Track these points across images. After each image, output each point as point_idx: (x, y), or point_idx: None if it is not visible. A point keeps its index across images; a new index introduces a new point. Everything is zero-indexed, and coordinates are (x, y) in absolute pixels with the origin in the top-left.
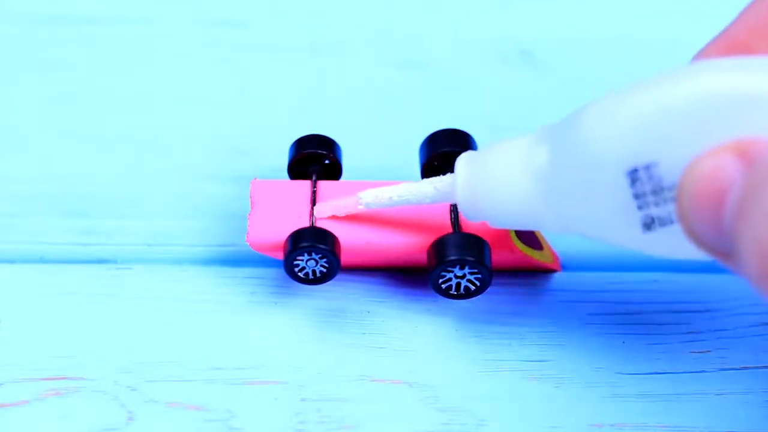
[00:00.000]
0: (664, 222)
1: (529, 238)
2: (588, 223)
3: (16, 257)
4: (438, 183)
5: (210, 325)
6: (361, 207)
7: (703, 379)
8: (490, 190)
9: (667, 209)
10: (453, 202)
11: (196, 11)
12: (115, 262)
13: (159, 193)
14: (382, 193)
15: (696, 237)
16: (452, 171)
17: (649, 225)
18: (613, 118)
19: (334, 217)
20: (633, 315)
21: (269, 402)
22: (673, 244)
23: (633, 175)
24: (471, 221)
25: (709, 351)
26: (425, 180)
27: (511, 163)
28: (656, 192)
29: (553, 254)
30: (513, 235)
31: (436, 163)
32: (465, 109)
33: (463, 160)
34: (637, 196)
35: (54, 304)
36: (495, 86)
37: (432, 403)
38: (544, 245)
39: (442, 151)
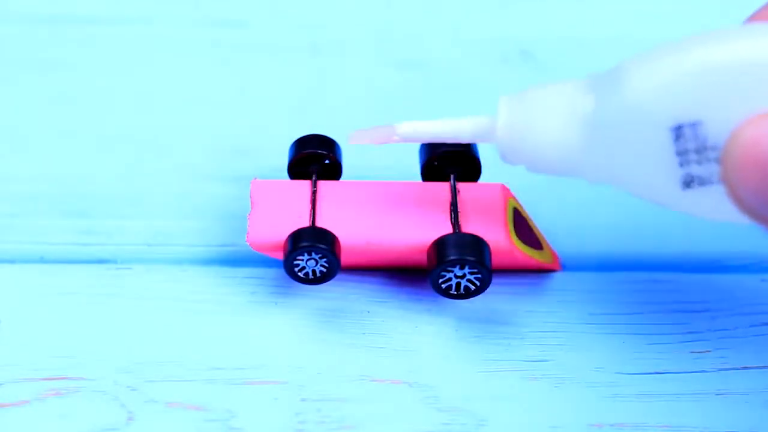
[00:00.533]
0: (704, 181)
1: (529, 238)
2: (627, 176)
3: (16, 257)
4: (478, 121)
5: (210, 325)
6: (396, 138)
7: (703, 379)
8: (532, 132)
9: (709, 169)
10: (491, 142)
11: (196, 11)
12: (115, 262)
13: (159, 193)
14: (420, 127)
15: (740, 202)
16: (453, 169)
17: (688, 183)
18: (661, 73)
19: (334, 217)
20: (633, 315)
21: (269, 402)
22: (711, 204)
23: (677, 132)
24: (508, 163)
25: (709, 351)
26: (466, 117)
27: (555, 108)
28: (699, 151)
29: (553, 254)
30: (513, 234)
31: (436, 163)
32: (465, 109)
33: (505, 100)
34: (679, 153)
35: (54, 304)
36: (495, 86)
37: (432, 403)
38: (544, 245)
39: (442, 151)
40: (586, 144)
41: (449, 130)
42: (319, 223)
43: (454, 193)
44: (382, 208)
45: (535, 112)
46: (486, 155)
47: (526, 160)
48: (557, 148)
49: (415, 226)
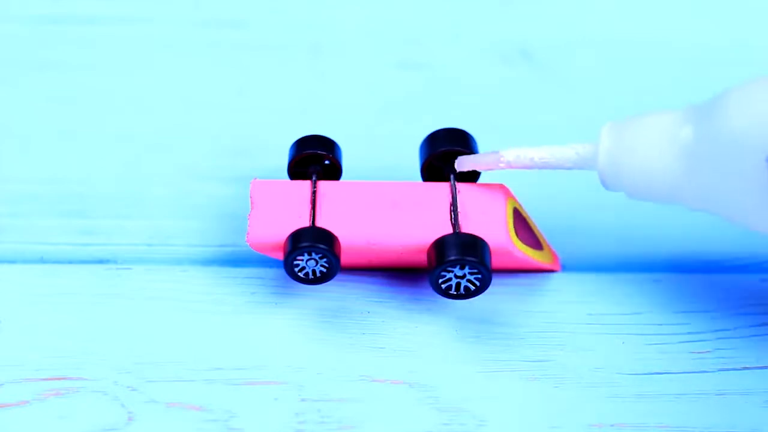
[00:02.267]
0: None
1: (529, 238)
2: (725, 204)
3: (16, 257)
4: (580, 149)
5: (210, 325)
6: (502, 165)
7: (703, 379)
8: (633, 161)
9: None
10: (593, 169)
11: (196, 11)
12: (115, 262)
13: (159, 193)
14: (524, 153)
15: None
16: (453, 169)
17: None
18: (756, 104)
19: (334, 217)
20: (633, 315)
21: (269, 402)
22: None
23: None
24: (609, 190)
25: (709, 351)
26: (568, 144)
27: (656, 137)
28: None
29: (553, 254)
30: (513, 235)
31: (436, 163)
32: (465, 109)
33: (607, 129)
34: None
35: (54, 304)
36: (495, 86)
37: (432, 403)
38: (544, 245)
39: (442, 150)
40: (686, 172)
41: (553, 156)
42: (319, 223)
43: (454, 193)
44: (382, 208)
45: (637, 140)
46: None
47: (626, 187)
48: (657, 175)
49: (415, 226)
